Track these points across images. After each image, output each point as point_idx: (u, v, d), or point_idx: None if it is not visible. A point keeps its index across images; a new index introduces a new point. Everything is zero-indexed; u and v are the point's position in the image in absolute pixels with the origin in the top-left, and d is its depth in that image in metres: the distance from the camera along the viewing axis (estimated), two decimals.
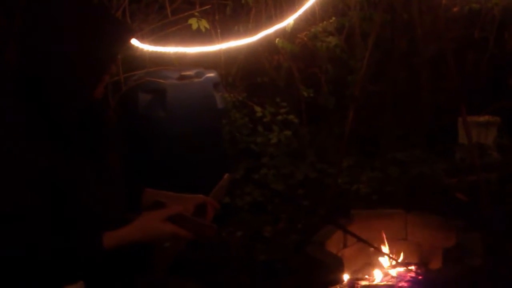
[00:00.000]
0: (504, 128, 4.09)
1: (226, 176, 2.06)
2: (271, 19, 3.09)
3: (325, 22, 3.83)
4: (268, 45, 3.32)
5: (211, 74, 3.80)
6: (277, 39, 3.11)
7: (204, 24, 2.75)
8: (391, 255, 3.05)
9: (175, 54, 3.44)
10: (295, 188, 3.86)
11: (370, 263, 3.06)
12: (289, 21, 3.17)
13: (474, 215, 3.19)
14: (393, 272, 3.02)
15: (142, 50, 3.41)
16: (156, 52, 3.47)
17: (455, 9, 4.26)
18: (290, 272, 3.10)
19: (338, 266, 2.87)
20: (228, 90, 3.96)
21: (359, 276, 3.05)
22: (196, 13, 2.71)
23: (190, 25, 2.96)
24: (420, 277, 2.87)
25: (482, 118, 4.02)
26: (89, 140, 1.65)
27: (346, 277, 2.94)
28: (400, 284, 2.85)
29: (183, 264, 2.00)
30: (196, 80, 3.71)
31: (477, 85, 4.16)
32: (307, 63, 3.98)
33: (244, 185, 3.81)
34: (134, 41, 3.40)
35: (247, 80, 4.04)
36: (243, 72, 4.03)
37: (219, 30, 2.83)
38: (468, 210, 3.27)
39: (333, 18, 3.83)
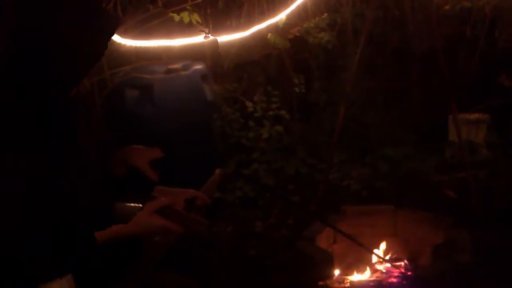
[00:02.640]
0: (494, 126, 4.11)
1: (217, 171, 2.05)
2: (263, 14, 3.08)
3: (317, 18, 3.83)
4: (260, 40, 3.31)
5: (199, 66, 3.73)
6: (269, 34, 3.10)
7: (196, 18, 2.74)
8: (378, 253, 3.06)
9: (161, 47, 3.39)
10: (286, 184, 3.86)
11: (360, 259, 3.08)
12: (281, 16, 3.17)
13: (463, 211, 3.21)
14: (383, 268, 3.03)
15: (126, 45, 3.37)
16: (141, 47, 3.44)
17: (446, 7, 4.27)
18: (281, 267, 3.11)
19: (329, 261, 2.88)
20: (218, 81, 3.92)
21: (349, 271, 3.06)
22: (188, 7, 2.69)
23: (175, 17, 2.93)
24: (409, 273, 2.89)
25: (472, 116, 4.04)
26: (66, 135, 1.63)
27: (336, 272, 2.95)
28: (389, 280, 2.87)
29: (173, 258, 2.00)
30: (183, 73, 3.65)
31: (468, 83, 4.18)
32: (299, 57, 3.96)
33: (235, 180, 3.80)
34: (116, 37, 3.35)
35: (238, 71, 4.01)
36: (234, 62, 4.01)
37: (211, 25, 2.83)
38: (457, 207, 3.29)
39: (325, 14, 3.83)
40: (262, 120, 3.96)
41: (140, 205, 1.87)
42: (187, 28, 3.16)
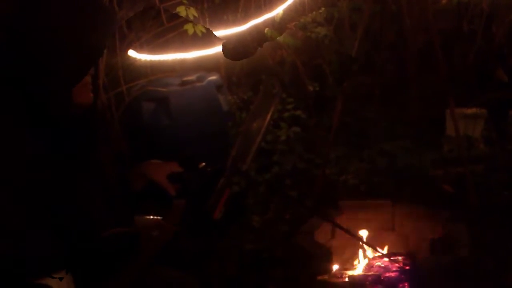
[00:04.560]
0: (491, 120, 4.11)
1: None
2: (260, 9, 3.08)
3: (314, 12, 3.82)
4: (257, 35, 3.31)
5: (213, 77, 3.81)
6: (266, 29, 3.10)
7: (192, 12, 2.73)
8: (376, 247, 3.06)
9: (175, 60, 3.47)
10: (283, 179, 3.85)
11: (358, 254, 3.08)
12: (278, 10, 3.16)
13: (461, 206, 3.21)
14: (380, 262, 3.03)
15: (141, 59, 3.46)
16: (156, 60, 3.51)
17: (443, 1, 4.26)
18: (278, 262, 3.11)
19: (327, 256, 2.88)
20: (232, 90, 3.96)
21: (347, 266, 3.06)
22: (185, 1, 2.69)
23: (188, 30, 2.98)
24: (406, 268, 2.89)
25: (470, 111, 4.04)
26: (77, 146, 1.62)
27: (334, 267, 2.95)
28: (387, 275, 2.87)
29: (170, 253, 1.99)
30: (198, 84, 3.72)
31: (465, 78, 4.18)
32: (311, 56, 3.96)
33: (257, 185, 3.80)
34: (132, 52, 3.43)
35: (252, 77, 4.04)
36: (247, 70, 4.04)
37: (207, 19, 2.83)
38: (455, 202, 3.30)
39: (323, 8, 3.82)
40: (278, 122, 3.97)
41: (160, 218, 1.89)
42: (200, 40, 3.20)
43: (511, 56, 4.26)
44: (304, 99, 3.96)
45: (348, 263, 3.07)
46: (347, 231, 2.97)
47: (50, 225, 1.48)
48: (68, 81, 1.52)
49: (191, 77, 3.74)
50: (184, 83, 3.70)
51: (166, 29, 3.42)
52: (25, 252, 1.45)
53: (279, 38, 3.38)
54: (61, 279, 1.53)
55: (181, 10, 2.73)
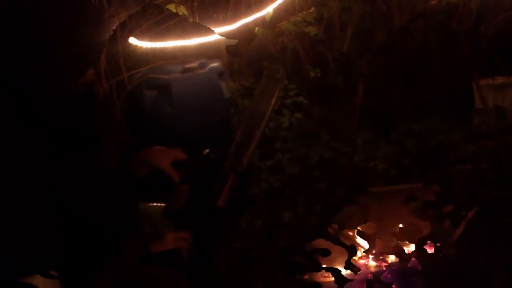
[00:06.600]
0: None
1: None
2: (250, 8, 3.09)
3: (304, 12, 3.80)
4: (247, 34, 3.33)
5: (215, 64, 3.81)
6: (256, 28, 3.10)
7: (182, 10, 2.77)
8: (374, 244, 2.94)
9: (176, 47, 3.50)
10: (311, 171, 3.81)
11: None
12: (268, 10, 3.15)
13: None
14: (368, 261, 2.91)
15: (142, 47, 3.50)
16: (157, 48, 3.55)
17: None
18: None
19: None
20: (234, 77, 3.97)
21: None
22: None
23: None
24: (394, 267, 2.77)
25: (497, 81, 3.86)
26: (78, 136, 1.63)
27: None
28: (375, 274, 2.76)
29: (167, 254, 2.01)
30: (200, 71, 3.73)
31: (489, 48, 3.98)
32: (312, 42, 3.92)
33: (259, 172, 3.79)
34: (133, 40, 3.47)
35: (254, 64, 4.03)
36: (249, 56, 4.03)
37: (197, 17, 2.86)
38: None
39: (313, 8, 3.79)
40: (281, 109, 3.95)
41: (164, 205, 1.92)
42: (202, 27, 3.23)
43: None
44: (306, 85, 3.91)
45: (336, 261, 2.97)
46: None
47: (50, 218, 1.50)
48: (66, 80, 1.55)
49: (193, 64, 3.74)
50: (185, 70, 3.71)
51: (167, 16, 3.44)
52: (22, 248, 1.48)
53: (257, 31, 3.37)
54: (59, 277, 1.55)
55: (171, 8, 2.76)
